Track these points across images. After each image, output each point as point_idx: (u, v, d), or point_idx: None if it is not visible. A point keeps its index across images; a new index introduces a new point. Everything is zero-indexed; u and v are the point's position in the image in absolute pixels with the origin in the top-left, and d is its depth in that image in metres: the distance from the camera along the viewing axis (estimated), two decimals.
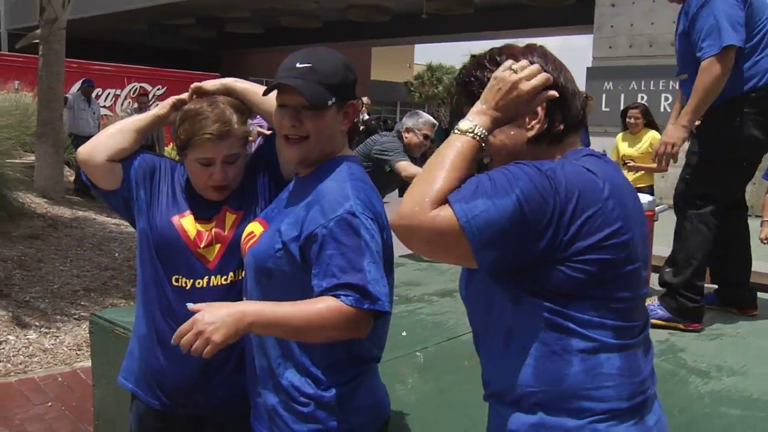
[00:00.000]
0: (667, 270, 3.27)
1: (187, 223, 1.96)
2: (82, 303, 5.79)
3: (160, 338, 1.96)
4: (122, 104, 18.38)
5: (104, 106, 18.00)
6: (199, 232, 1.95)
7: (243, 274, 1.84)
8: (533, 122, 1.40)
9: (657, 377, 1.44)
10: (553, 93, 1.38)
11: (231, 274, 1.94)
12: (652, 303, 3.24)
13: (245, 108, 1.98)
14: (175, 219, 1.96)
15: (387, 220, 1.63)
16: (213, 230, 1.95)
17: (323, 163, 1.71)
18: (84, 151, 1.99)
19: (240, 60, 32.89)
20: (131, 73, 19.39)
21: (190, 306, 1.55)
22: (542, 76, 1.37)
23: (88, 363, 4.56)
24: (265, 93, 1.79)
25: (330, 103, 1.65)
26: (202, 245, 1.94)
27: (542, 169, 1.30)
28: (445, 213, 1.27)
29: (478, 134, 1.35)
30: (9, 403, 4.08)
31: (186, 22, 26.67)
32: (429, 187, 1.30)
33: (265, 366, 1.71)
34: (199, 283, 1.92)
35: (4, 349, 4.84)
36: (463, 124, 1.36)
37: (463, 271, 1.53)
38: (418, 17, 22.45)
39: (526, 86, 1.36)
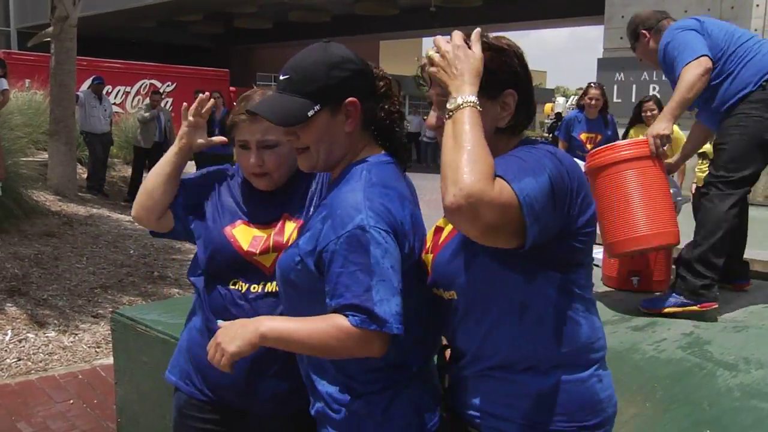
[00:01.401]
0: (685, 249, 3.33)
1: (240, 232, 1.95)
2: (99, 300, 5.81)
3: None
4: (132, 101, 18.43)
5: (114, 104, 18.08)
6: (254, 239, 1.93)
7: None
8: (505, 114, 1.52)
9: (684, 371, 1.59)
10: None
11: None
12: (663, 294, 3.26)
13: None
14: (227, 230, 1.95)
15: (412, 223, 1.60)
16: (272, 237, 1.93)
17: (344, 170, 1.66)
18: (135, 216, 2.05)
19: (249, 55, 32.91)
20: (141, 69, 19.45)
21: (219, 323, 1.63)
22: (476, 32, 1.50)
23: (108, 360, 4.59)
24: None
25: (311, 113, 1.58)
26: (258, 252, 1.92)
27: (551, 151, 1.47)
28: (508, 189, 1.33)
29: (474, 102, 1.41)
30: (31, 400, 4.11)
31: (194, 18, 26.68)
32: (483, 165, 1.33)
33: (305, 374, 1.72)
34: (254, 288, 1.92)
35: (24, 347, 4.87)
36: (458, 100, 1.42)
37: (449, 263, 1.53)
38: (426, 10, 22.41)
39: (476, 48, 1.47)
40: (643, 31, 3.63)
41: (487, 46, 1.50)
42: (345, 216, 1.51)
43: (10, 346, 4.85)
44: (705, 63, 3.22)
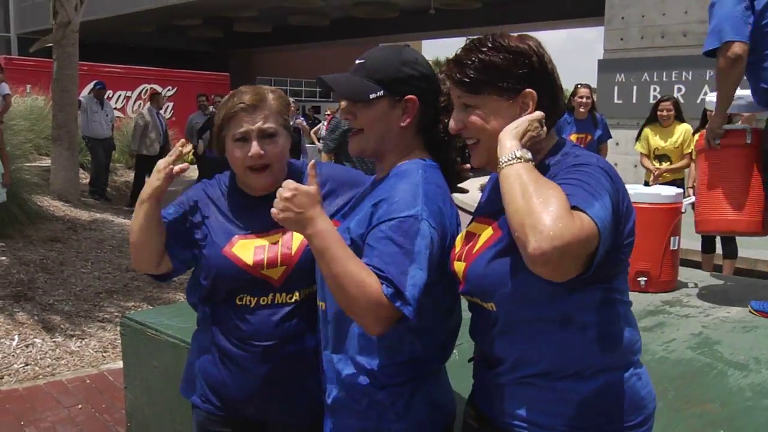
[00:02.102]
0: None
1: (240, 248, 1.93)
2: (105, 305, 5.82)
3: (223, 354, 1.97)
4: (133, 106, 18.45)
5: (115, 108, 18.08)
6: (257, 249, 1.92)
7: (309, 293, 1.88)
8: (526, 114, 1.51)
9: (695, 371, 1.58)
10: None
11: (297, 293, 1.93)
12: None
13: (287, 105, 2.00)
14: (227, 250, 1.93)
15: (457, 225, 1.67)
16: (279, 249, 1.91)
17: (397, 167, 1.72)
18: (137, 269, 2.06)
19: (248, 59, 32.94)
20: (141, 74, 19.46)
21: (311, 166, 1.65)
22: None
23: (115, 365, 4.60)
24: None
25: (373, 96, 1.68)
26: (265, 266, 1.91)
27: (600, 165, 1.46)
28: (587, 220, 1.31)
29: (526, 157, 1.42)
30: (39, 405, 4.11)
31: (193, 23, 26.72)
32: (558, 202, 1.31)
33: (329, 360, 1.74)
34: (263, 301, 1.92)
35: (31, 352, 4.87)
36: (509, 155, 1.43)
37: (486, 275, 1.51)
38: (425, 13, 22.46)
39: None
40: None
41: (502, 48, 1.52)
42: (402, 203, 1.58)
43: (17, 352, 4.85)
44: (728, 53, 3.14)
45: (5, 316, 5.31)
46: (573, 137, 6.85)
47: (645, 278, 3.59)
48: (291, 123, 2.10)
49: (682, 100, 10.42)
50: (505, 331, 1.54)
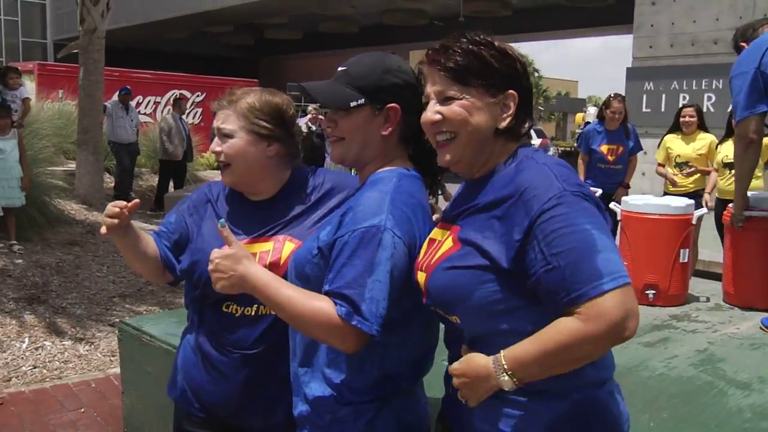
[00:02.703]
0: None
1: None
2: (117, 309, 5.84)
3: (204, 358, 1.98)
4: (162, 111, 18.63)
5: (145, 113, 18.32)
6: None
7: None
8: (505, 115, 1.48)
9: (694, 389, 1.50)
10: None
11: None
12: None
13: (281, 112, 1.96)
14: None
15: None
16: (269, 260, 1.89)
17: (374, 174, 1.68)
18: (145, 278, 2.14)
19: (278, 65, 33.17)
20: (171, 80, 19.63)
21: (221, 227, 1.64)
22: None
23: None
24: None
25: (354, 104, 1.64)
26: None
27: (585, 193, 1.39)
28: (611, 299, 1.29)
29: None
30: (44, 408, 4.12)
31: (225, 30, 26.97)
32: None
33: (296, 374, 1.71)
34: (248, 311, 1.92)
35: (40, 354, 4.90)
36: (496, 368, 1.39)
37: (447, 288, 1.45)
38: (455, 20, 22.35)
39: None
40: (742, 44, 3.54)
41: (492, 47, 1.50)
42: (367, 212, 1.54)
43: (26, 354, 4.89)
44: (748, 132, 3.24)
45: (17, 319, 5.35)
46: (604, 148, 6.73)
47: (653, 291, 3.48)
48: (299, 128, 2.04)
49: (712, 109, 10.18)
50: (472, 344, 1.48)
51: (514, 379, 1.36)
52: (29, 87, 16.20)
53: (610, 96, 6.88)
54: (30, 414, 4.03)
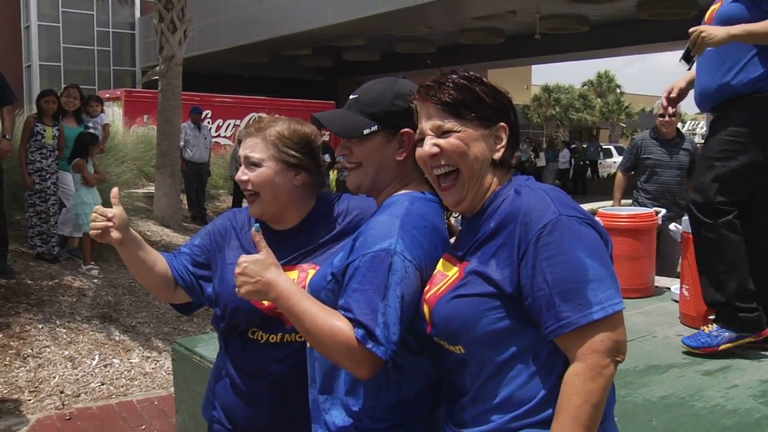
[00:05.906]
0: (711, 290, 3.03)
1: None
2: (184, 328, 5.99)
3: (232, 381, 2.01)
4: None
5: (225, 136, 18.85)
6: None
7: None
8: (499, 146, 1.52)
9: (751, 422, 1.55)
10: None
11: None
12: (711, 329, 2.98)
13: (309, 142, 1.96)
14: None
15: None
16: None
17: (388, 198, 1.68)
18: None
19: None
20: (250, 103, 20.17)
21: (255, 232, 1.62)
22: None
23: None
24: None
25: (367, 131, 1.65)
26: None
27: (580, 216, 1.41)
28: (599, 330, 1.33)
29: None
30: (108, 424, 4.25)
31: (304, 53, 27.51)
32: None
33: (315, 400, 1.70)
34: (273, 339, 1.94)
35: (108, 372, 5.06)
36: None
37: (452, 319, 1.46)
38: (532, 38, 22.13)
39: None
40: None
41: (482, 83, 1.54)
42: (377, 236, 1.53)
43: (96, 371, 5.05)
44: None
45: (89, 336, 5.55)
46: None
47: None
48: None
49: None
50: (476, 374, 1.47)
51: None
52: (116, 113, 16.97)
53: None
54: (95, 429, 4.16)
